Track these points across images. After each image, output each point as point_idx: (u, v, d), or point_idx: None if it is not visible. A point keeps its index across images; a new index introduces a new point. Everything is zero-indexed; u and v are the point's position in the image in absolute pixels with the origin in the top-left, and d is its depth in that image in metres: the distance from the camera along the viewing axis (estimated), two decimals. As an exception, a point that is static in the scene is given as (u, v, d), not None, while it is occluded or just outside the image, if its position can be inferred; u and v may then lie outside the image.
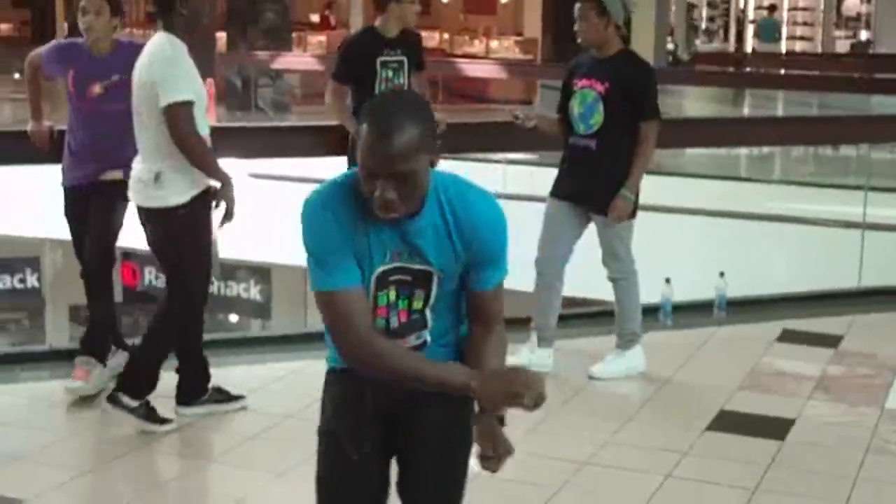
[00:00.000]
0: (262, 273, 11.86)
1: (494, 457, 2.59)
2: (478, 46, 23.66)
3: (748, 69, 19.89)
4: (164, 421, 4.69)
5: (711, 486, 4.25)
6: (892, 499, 4.18)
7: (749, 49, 26.39)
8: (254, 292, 12.58)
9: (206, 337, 5.02)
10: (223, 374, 5.07)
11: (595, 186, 5.19)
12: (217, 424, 4.81)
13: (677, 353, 5.84)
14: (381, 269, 2.58)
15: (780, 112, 16.62)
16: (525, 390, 2.42)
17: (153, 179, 4.49)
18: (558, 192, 5.33)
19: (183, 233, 4.56)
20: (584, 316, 6.37)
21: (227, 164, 4.72)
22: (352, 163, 5.20)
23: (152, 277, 13.13)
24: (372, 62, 5.71)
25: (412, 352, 2.63)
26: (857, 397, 5.18)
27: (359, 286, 2.55)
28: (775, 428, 4.80)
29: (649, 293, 6.52)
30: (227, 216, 4.61)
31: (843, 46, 28.12)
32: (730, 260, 6.72)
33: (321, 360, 2.83)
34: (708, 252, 7.44)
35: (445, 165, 2.78)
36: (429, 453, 2.76)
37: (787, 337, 6.08)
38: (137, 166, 4.60)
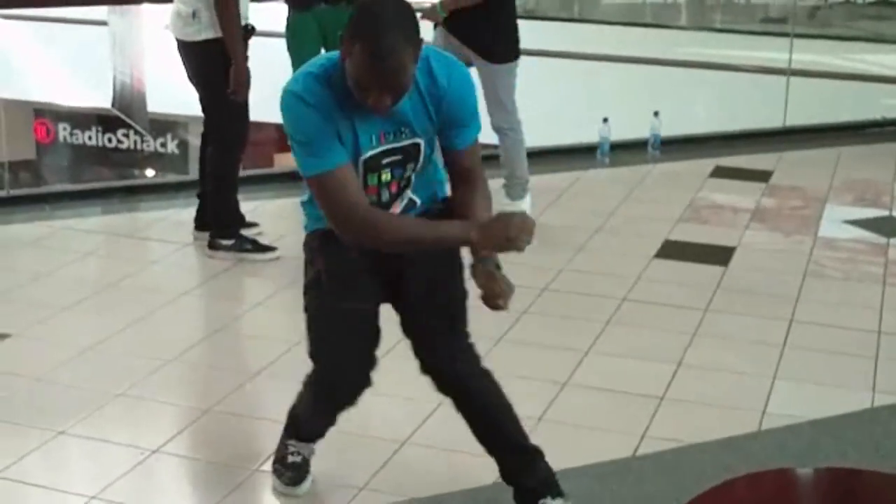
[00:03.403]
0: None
1: (501, 296, 2.65)
2: None
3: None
4: (267, 249, 4.93)
5: (667, 307, 4.51)
6: (829, 316, 4.47)
7: None
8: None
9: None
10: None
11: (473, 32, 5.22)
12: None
13: (617, 188, 6.06)
14: (368, 153, 2.62)
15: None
16: (521, 233, 2.53)
17: (191, 15, 4.73)
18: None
19: (217, 65, 4.72)
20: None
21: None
22: None
23: (67, 134, 12.96)
24: None
25: (408, 218, 2.70)
26: (791, 226, 5.48)
27: (347, 164, 2.58)
28: (718, 255, 5.07)
29: (586, 134, 6.73)
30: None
31: None
32: (661, 104, 6.89)
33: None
34: (641, 96, 7.61)
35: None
36: (426, 279, 2.81)
37: (720, 173, 6.34)
38: (176, 5, 4.81)
